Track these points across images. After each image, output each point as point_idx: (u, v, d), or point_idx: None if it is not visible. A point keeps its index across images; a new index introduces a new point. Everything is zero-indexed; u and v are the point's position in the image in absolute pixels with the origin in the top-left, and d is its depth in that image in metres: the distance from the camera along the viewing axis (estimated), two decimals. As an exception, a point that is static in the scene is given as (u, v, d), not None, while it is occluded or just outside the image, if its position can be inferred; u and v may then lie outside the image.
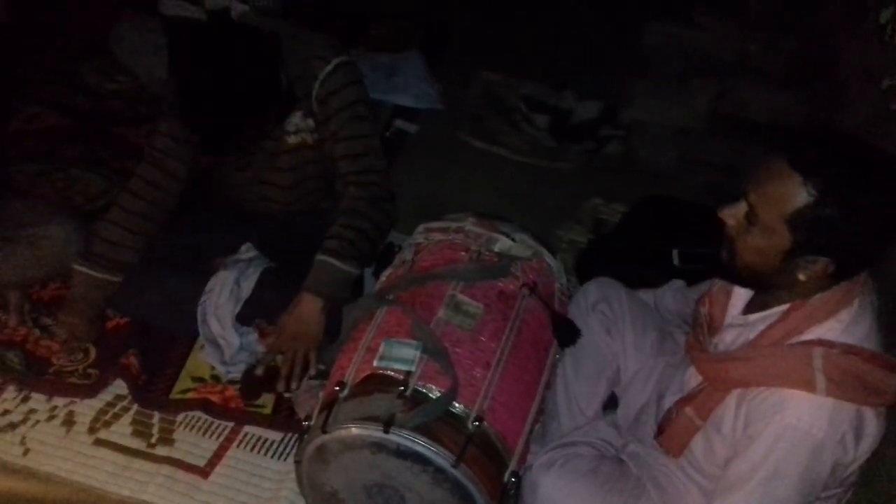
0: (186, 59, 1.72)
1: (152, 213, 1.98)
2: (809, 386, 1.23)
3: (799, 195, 1.20)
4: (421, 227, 1.91)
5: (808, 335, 1.28)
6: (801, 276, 1.26)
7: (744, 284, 1.40)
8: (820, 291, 1.28)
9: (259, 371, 1.94)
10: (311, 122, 1.93)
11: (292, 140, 1.95)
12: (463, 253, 1.75)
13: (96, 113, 2.90)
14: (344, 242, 1.87)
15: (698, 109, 3.06)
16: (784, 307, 1.31)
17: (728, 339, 1.42)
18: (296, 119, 1.92)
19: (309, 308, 1.84)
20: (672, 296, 1.84)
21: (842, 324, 1.27)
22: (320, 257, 1.86)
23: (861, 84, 2.34)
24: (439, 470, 1.41)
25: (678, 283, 1.87)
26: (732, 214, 1.31)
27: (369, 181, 1.95)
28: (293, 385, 1.86)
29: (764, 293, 1.37)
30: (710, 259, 1.41)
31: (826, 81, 2.73)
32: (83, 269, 1.94)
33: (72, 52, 3.18)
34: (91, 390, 1.91)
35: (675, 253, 2.16)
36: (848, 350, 1.24)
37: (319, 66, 1.87)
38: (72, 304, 1.97)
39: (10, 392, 1.90)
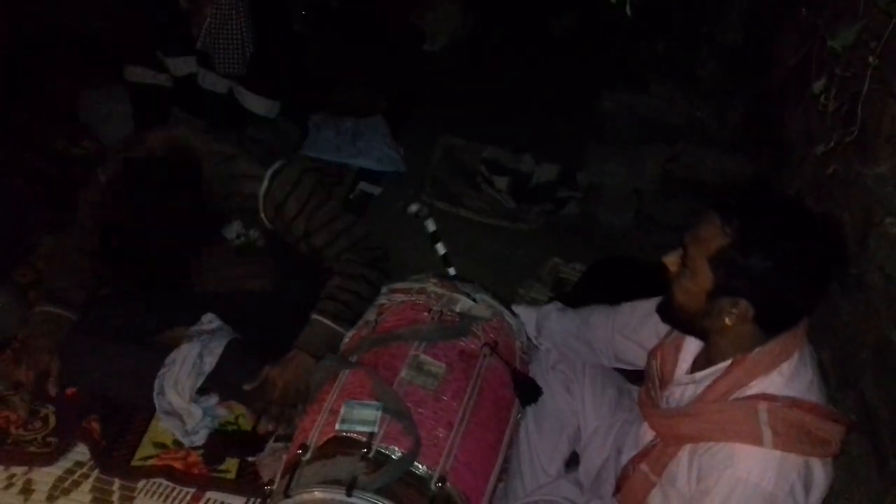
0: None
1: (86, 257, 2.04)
2: (756, 439, 1.27)
3: (718, 236, 1.28)
4: (384, 289, 1.94)
5: (752, 389, 1.33)
6: (727, 320, 1.32)
7: (680, 327, 1.47)
8: (759, 345, 1.33)
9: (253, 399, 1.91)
10: (253, 231, 2.00)
11: (237, 243, 2.03)
12: (425, 313, 1.79)
13: (62, 178, 2.92)
14: (339, 304, 1.91)
15: (651, 172, 3.17)
16: (727, 363, 1.36)
17: (677, 394, 1.46)
18: (235, 227, 2.00)
19: (302, 366, 1.86)
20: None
21: (783, 377, 1.32)
22: (316, 317, 1.90)
23: (804, 148, 2.45)
24: (402, 531, 1.41)
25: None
26: (672, 260, 1.40)
27: (363, 247, 1.99)
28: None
29: (708, 349, 1.42)
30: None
31: (772, 146, 2.85)
32: (39, 308, 1.98)
33: (40, 118, 3.20)
34: (50, 458, 1.88)
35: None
36: (791, 403, 1.29)
37: (253, 185, 1.92)
38: (30, 344, 1.97)
39: (-32, 462, 1.86)
